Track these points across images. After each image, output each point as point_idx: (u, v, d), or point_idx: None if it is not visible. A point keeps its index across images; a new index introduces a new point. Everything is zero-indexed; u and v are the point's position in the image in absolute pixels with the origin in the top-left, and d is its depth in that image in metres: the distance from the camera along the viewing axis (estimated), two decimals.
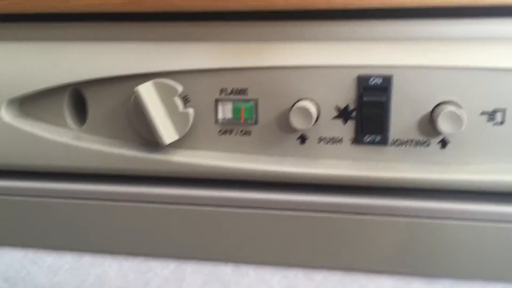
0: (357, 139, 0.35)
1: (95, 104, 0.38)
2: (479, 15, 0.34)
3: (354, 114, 0.35)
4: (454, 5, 0.32)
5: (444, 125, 0.32)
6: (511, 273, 0.35)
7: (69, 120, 0.39)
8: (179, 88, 0.36)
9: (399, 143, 0.35)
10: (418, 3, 0.32)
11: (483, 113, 0.33)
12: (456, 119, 0.32)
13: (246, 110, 0.36)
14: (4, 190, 0.41)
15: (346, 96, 0.34)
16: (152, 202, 0.38)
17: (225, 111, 0.36)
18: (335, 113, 0.35)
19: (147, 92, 0.35)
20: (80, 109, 0.39)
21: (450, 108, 0.32)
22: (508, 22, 0.33)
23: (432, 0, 0.32)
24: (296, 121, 0.34)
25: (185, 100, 0.36)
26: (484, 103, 0.33)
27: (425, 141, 0.34)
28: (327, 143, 0.36)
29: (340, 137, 0.35)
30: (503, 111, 0.33)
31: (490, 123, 0.33)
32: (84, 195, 0.39)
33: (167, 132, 0.36)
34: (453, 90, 0.33)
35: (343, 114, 0.35)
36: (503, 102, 0.33)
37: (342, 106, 0.35)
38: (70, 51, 0.37)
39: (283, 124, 0.36)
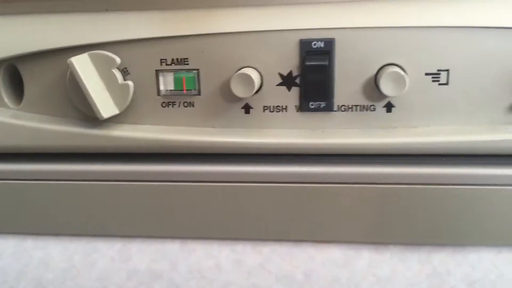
0: (302, 106, 0.34)
1: (32, 80, 0.36)
2: None
3: (298, 80, 0.34)
4: None
5: (387, 87, 0.31)
6: (458, 237, 0.34)
7: (6, 98, 0.37)
8: (117, 59, 0.34)
9: (344, 108, 0.34)
10: None
11: (427, 74, 0.32)
12: (399, 80, 0.31)
13: (187, 80, 0.35)
14: None
15: (289, 62, 0.33)
16: (95, 180, 0.37)
17: (166, 83, 0.35)
18: (278, 80, 0.34)
19: (82, 64, 0.34)
20: (17, 86, 0.38)
21: (392, 69, 0.31)
22: None
23: None
24: (238, 89, 0.33)
25: (124, 72, 0.35)
26: (428, 64, 0.32)
27: (371, 106, 0.33)
28: (272, 111, 0.35)
29: (285, 105, 0.34)
30: (447, 71, 0.32)
31: (435, 84, 0.32)
32: (23, 175, 0.38)
33: (106, 106, 0.34)
34: (396, 52, 0.32)
35: (287, 80, 0.34)
36: (447, 62, 0.32)
37: (286, 72, 0.34)
38: (3, 25, 0.36)
39: (227, 94, 0.34)
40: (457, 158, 0.33)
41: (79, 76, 0.33)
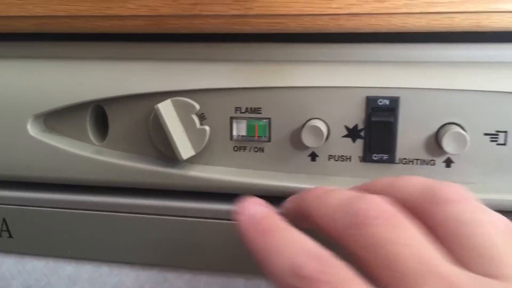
0: (366, 157, 0.37)
1: (116, 120, 0.40)
2: (482, 41, 0.35)
3: (362, 133, 0.36)
4: (458, 30, 0.34)
5: (449, 145, 0.34)
6: None
7: (91, 135, 0.41)
8: (196, 106, 0.37)
9: (405, 161, 0.36)
10: (424, 28, 0.34)
11: (486, 134, 0.34)
12: (461, 140, 0.33)
13: (259, 128, 0.38)
14: (28, 201, 0.42)
15: (355, 116, 0.36)
16: (169, 215, 0.40)
17: (239, 129, 0.38)
18: (344, 132, 0.36)
19: (166, 109, 0.37)
20: (102, 125, 0.41)
21: (454, 129, 0.33)
22: (510, 47, 0.35)
23: (437, 25, 0.34)
24: (308, 139, 0.36)
25: (202, 117, 0.38)
26: (487, 125, 0.34)
27: (431, 160, 0.36)
28: (337, 160, 0.37)
29: (349, 155, 0.37)
30: (505, 133, 0.34)
31: (493, 144, 0.34)
32: (104, 207, 0.41)
33: (184, 148, 0.37)
34: (457, 112, 0.34)
35: (352, 133, 0.36)
36: (505, 124, 0.34)
37: (351, 125, 0.36)
38: (93, 70, 0.39)
39: (295, 142, 0.37)
40: None
41: (163, 120, 0.36)
